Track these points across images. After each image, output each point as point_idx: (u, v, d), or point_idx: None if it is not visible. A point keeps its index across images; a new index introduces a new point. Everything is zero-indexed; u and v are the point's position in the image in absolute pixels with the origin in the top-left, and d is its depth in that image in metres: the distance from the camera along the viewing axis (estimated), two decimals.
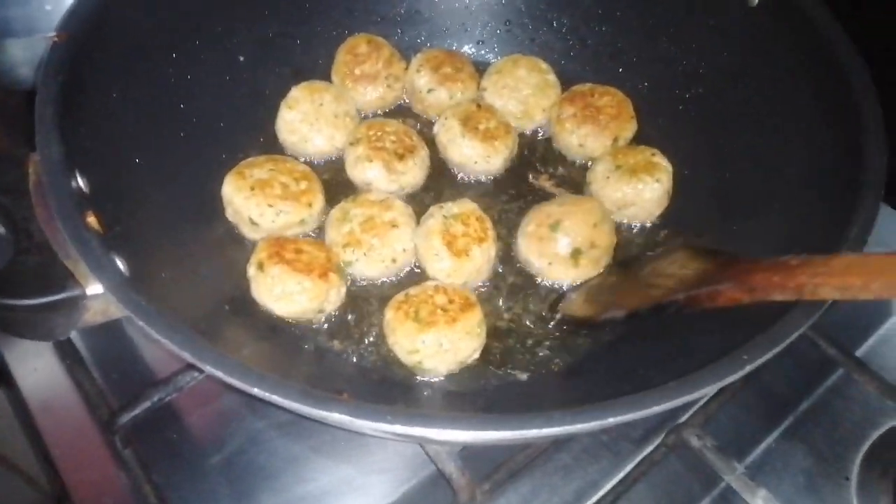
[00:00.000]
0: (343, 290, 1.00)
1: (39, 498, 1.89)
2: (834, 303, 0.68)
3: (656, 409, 0.59)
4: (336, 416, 0.58)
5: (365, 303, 1.03)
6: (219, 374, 0.60)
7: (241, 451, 0.97)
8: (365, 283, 1.05)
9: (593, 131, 1.15)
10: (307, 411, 0.59)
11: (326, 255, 0.98)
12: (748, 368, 0.62)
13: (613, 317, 0.93)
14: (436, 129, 1.18)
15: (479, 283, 1.05)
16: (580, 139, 1.16)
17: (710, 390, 0.61)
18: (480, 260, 1.01)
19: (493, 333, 1.00)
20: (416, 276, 1.05)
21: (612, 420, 0.58)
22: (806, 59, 0.97)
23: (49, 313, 0.71)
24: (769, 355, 0.63)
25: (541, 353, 0.99)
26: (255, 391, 0.59)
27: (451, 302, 0.94)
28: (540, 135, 1.24)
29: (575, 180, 1.18)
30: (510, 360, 0.98)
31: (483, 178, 1.18)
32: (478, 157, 1.14)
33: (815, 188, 0.90)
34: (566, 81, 1.23)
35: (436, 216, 1.03)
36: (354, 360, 0.98)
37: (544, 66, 1.22)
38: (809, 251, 0.72)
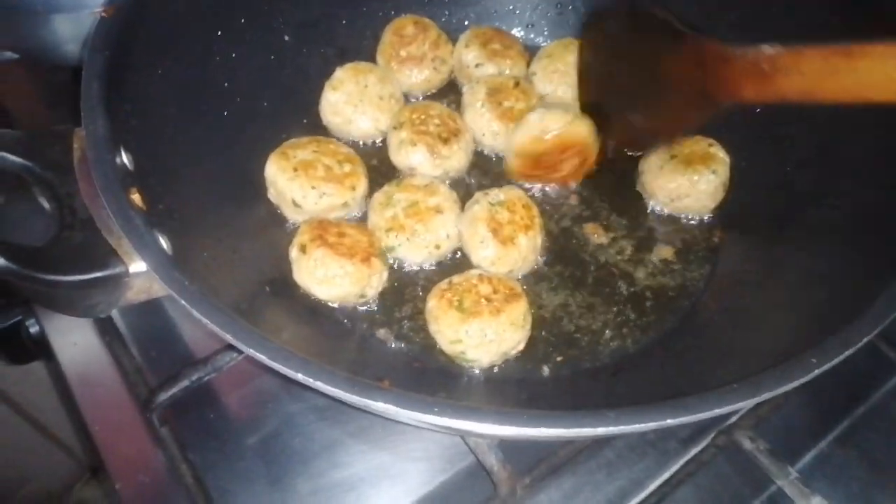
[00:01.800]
0: (385, 274, 0.98)
1: (76, 467, 1.93)
2: None
3: (717, 411, 0.56)
4: (380, 406, 0.56)
5: (407, 289, 1.01)
6: (262, 357, 0.59)
7: (277, 433, 0.97)
8: (408, 269, 1.03)
9: None
10: (351, 399, 0.57)
11: (369, 240, 0.97)
12: (817, 372, 0.59)
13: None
14: (464, 90, 1.17)
15: (525, 273, 1.02)
16: None
17: (775, 393, 0.58)
18: (526, 248, 0.99)
19: (539, 323, 0.98)
20: (461, 262, 1.03)
21: (670, 421, 0.55)
22: None
23: (92, 290, 0.71)
24: (839, 359, 0.59)
25: (588, 346, 0.96)
26: (299, 377, 0.58)
27: (495, 292, 0.91)
28: None
29: (625, 169, 1.14)
30: (556, 352, 0.96)
31: None
32: (486, 130, 1.12)
33: (883, 180, 0.86)
34: None
35: (481, 203, 1.00)
36: (395, 346, 0.96)
37: None
38: (879, 248, 0.69)
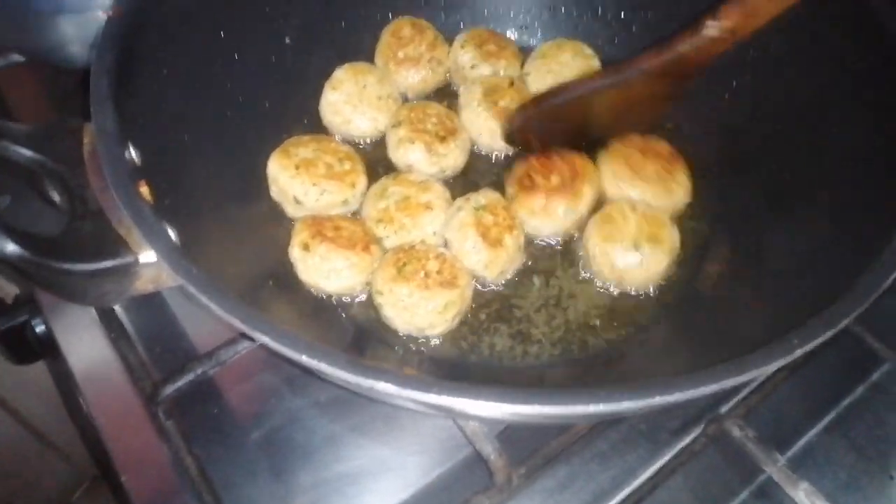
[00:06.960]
0: None
1: (75, 474, 1.94)
2: (882, 296, 0.66)
3: (703, 390, 0.58)
4: (381, 386, 0.58)
5: None
6: (267, 340, 0.61)
7: (280, 427, 0.98)
8: None
9: None
10: (352, 380, 0.59)
11: (363, 229, 1.00)
12: (798, 352, 0.60)
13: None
14: (460, 90, 1.19)
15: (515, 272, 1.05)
16: None
17: (759, 373, 0.60)
18: (512, 248, 1.01)
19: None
20: None
21: (658, 399, 0.57)
22: (859, 43, 0.94)
23: (102, 279, 0.73)
24: (821, 339, 0.61)
25: (578, 339, 0.99)
26: (304, 359, 0.59)
27: (439, 272, 0.94)
28: None
29: None
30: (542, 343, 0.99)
31: None
32: (483, 129, 1.13)
33: (869, 182, 0.87)
34: None
35: (465, 209, 1.01)
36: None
37: (589, 51, 1.21)
38: (855, 249, 0.71)
